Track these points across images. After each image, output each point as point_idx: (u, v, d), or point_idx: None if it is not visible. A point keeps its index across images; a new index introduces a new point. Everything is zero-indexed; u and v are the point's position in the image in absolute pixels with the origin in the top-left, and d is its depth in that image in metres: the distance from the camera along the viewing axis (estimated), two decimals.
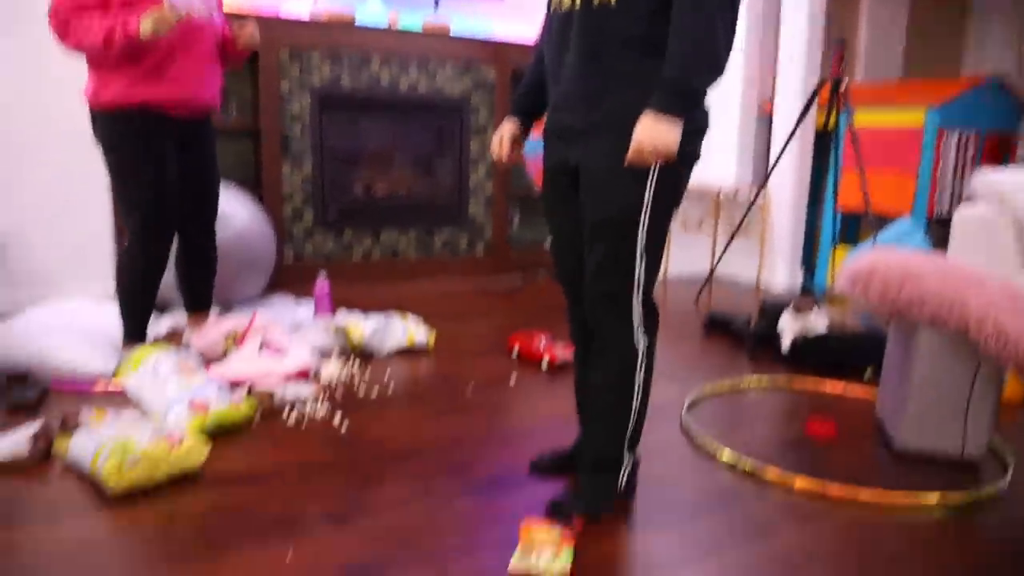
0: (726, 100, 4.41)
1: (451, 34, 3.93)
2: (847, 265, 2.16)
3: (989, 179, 2.83)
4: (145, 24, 2.03)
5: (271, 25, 3.47)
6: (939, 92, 3.88)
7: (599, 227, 1.49)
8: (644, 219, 1.45)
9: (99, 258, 3.27)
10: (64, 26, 2.08)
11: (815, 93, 3.44)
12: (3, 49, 3.02)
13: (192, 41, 2.22)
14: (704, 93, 1.40)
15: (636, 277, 1.49)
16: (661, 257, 1.53)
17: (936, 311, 1.87)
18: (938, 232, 3.75)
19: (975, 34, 5.88)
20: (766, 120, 4.47)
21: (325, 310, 3.05)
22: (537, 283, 4.22)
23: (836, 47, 3.36)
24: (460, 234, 4.17)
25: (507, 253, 4.31)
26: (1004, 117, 4.05)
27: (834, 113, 3.44)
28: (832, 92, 3.39)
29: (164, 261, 2.38)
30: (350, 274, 3.87)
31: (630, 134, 1.38)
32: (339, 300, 3.54)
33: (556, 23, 1.50)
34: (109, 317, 2.63)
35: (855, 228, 4.31)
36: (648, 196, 1.44)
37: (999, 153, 4.04)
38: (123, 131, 2.22)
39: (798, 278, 4.35)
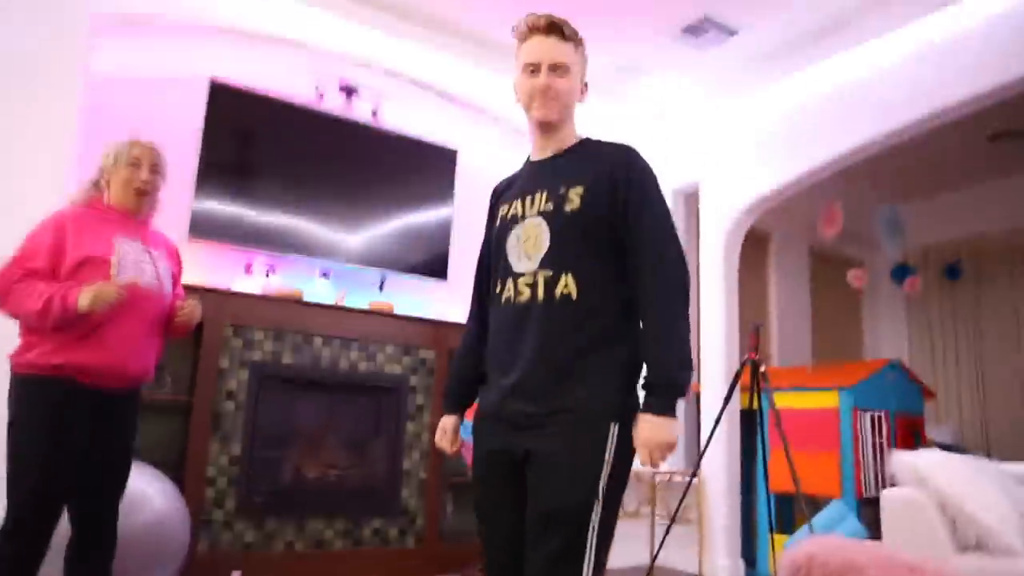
0: None
1: (395, 312, 4.09)
2: (785, 555, 2.12)
3: (906, 461, 2.94)
4: (83, 298, 2.00)
5: (219, 299, 3.54)
6: (849, 374, 4.17)
7: (552, 517, 1.43)
8: (597, 510, 1.42)
9: None
10: (6, 293, 2.06)
11: (738, 373, 3.62)
12: None
13: (131, 310, 2.15)
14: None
15: (584, 573, 1.41)
16: (608, 549, 1.46)
17: None
18: (870, 513, 3.77)
19: (868, 322, 6.52)
20: (694, 401, 4.64)
21: None
22: None
23: (752, 330, 3.61)
24: (391, 523, 3.95)
25: (440, 545, 4.07)
26: (910, 399, 4.33)
27: (756, 394, 3.61)
28: (752, 374, 3.58)
29: (41, 547, 2.11)
30: (269, 568, 3.55)
31: (593, 422, 1.44)
32: None
33: (511, 315, 1.56)
34: None
35: (790, 511, 4.30)
36: (603, 486, 1.43)
37: (910, 433, 4.25)
38: (29, 397, 2.09)
39: (741, 567, 4.21)
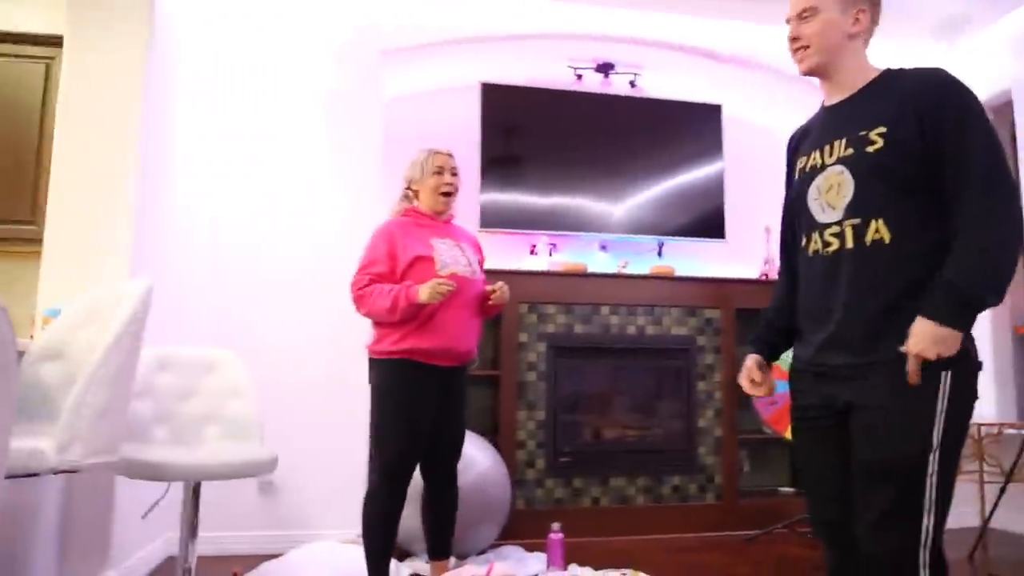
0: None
1: (676, 275, 4.17)
2: None
3: None
4: (423, 293, 2.39)
5: (512, 280, 3.85)
6: None
7: (880, 470, 1.39)
8: (933, 461, 1.36)
9: (354, 502, 3.58)
10: (361, 297, 2.53)
11: None
12: (307, 315, 3.66)
13: (455, 297, 2.50)
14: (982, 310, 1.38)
15: (924, 530, 1.36)
16: (949, 506, 1.39)
17: None
18: None
19: None
20: (1022, 342, 4.05)
21: (558, 562, 3.05)
22: (775, 534, 3.90)
23: None
24: (690, 481, 4.06)
25: (739, 502, 4.09)
26: None
27: None
28: None
29: (402, 502, 2.52)
30: (579, 522, 3.86)
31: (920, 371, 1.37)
32: (569, 550, 3.52)
33: (820, 266, 1.54)
34: (357, 560, 2.79)
35: None
36: (937, 435, 1.36)
37: None
38: (388, 377, 2.51)
39: None
